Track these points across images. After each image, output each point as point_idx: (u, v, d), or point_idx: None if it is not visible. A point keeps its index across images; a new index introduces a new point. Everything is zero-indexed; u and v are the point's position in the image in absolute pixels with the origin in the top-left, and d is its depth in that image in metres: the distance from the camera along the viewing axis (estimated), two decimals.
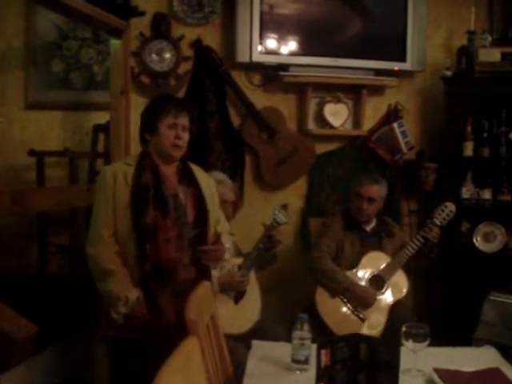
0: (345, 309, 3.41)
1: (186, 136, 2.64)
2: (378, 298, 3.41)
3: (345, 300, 3.41)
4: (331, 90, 4.22)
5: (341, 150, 4.32)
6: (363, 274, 3.47)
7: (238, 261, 3.27)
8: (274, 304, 3.83)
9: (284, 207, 3.36)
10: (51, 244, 4.15)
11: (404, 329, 2.11)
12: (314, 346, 1.96)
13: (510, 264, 3.90)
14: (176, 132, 2.59)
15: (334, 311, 3.41)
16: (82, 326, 3.44)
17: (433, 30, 4.30)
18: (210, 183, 2.82)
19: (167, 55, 4.09)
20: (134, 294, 2.48)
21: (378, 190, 3.57)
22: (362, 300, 3.39)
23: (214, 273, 2.72)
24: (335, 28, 4.17)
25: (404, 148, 4.17)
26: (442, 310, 3.91)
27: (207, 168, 3.80)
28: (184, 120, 2.62)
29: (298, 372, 2.16)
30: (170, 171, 2.65)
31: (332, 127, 4.24)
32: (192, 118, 3.62)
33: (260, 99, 4.18)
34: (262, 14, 3.96)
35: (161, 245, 2.51)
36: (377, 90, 4.31)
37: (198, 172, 2.79)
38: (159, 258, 2.51)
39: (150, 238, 2.50)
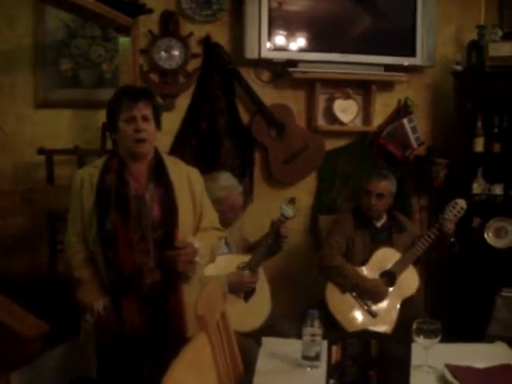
0: (355, 305, 3.40)
1: (149, 127, 2.43)
2: (389, 293, 3.40)
3: (355, 296, 3.40)
4: (340, 85, 4.21)
5: (350, 147, 4.31)
6: (374, 270, 3.45)
7: (246, 258, 3.26)
8: (285, 301, 3.82)
9: (291, 201, 3.34)
10: (61, 242, 4.15)
11: (415, 325, 2.10)
12: (325, 343, 1.95)
13: None
14: (135, 124, 2.39)
15: (345, 307, 3.40)
16: None
17: (442, 24, 4.26)
18: (191, 174, 2.60)
19: (176, 53, 4.09)
20: (100, 302, 2.37)
21: (386, 186, 3.55)
22: (372, 294, 3.38)
23: (223, 275, 2.66)
24: (344, 23, 4.15)
25: (414, 144, 4.16)
26: (454, 306, 3.89)
27: (217, 167, 3.83)
28: (143, 110, 2.41)
29: (308, 368, 2.16)
30: (140, 169, 2.48)
31: (341, 123, 4.23)
32: (201, 115, 3.60)
33: (269, 96, 4.17)
34: (270, 10, 3.95)
35: (122, 250, 2.37)
36: (386, 86, 4.28)
37: (175, 165, 2.59)
38: (121, 264, 2.38)
39: (112, 243, 2.37)
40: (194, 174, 2.64)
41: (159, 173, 2.50)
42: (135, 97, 2.43)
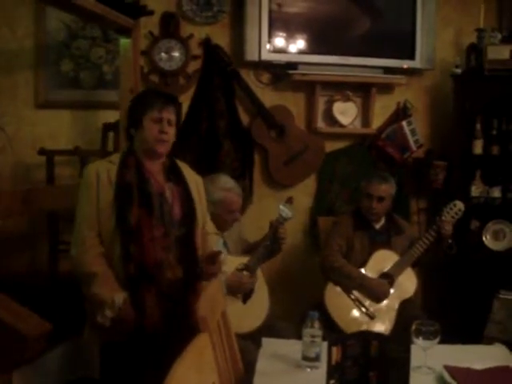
0: (354, 307, 3.41)
1: (171, 131, 2.56)
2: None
3: (354, 298, 3.41)
4: (340, 88, 4.22)
5: (350, 149, 4.32)
6: (372, 272, 3.47)
7: (244, 259, 3.25)
8: (284, 302, 3.84)
9: (289, 201, 3.36)
10: (62, 242, 4.16)
11: (414, 326, 2.11)
12: (325, 344, 1.96)
13: None
14: (161, 126, 2.51)
15: (343, 309, 3.41)
16: None
17: (442, 27, 4.28)
18: (198, 182, 2.75)
19: (176, 54, 4.11)
20: (120, 296, 2.37)
21: (387, 189, 3.56)
22: (376, 293, 3.40)
23: (221, 276, 2.69)
24: (344, 26, 4.17)
25: (413, 146, 4.17)
26: (452, 308, 3.90)
27: (216, 169, 3.84)
28: (170, 115, 2.55)
29: (308, 369, 2.17)
30: (155, 168, 2.58)
31: (341, 125, 4.24)
32: (200, 117, 3.62)
33: (269, 97, 4.19)
34: (270, 12, 3.97)
35: (145, 244, 2.42)
36: (386, 88, 4.30)
37: (186, 170, 2.71)
38: (144, 259, 2.42)
39: (134, 238, 2.41)
40: (200, 180, 2.78)
41: (175, 173, 2.62)
42: (166, 100, 2.57)
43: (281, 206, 3.30)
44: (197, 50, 4.15)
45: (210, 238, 2.72)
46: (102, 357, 2.61)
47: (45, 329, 2.20)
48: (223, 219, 3.15)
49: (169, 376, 1.32)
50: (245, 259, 3.26)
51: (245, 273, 3.21)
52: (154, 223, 2.46)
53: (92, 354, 3.28)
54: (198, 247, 2.60)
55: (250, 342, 2.81)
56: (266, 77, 4.23)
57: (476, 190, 4.05)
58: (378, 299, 3.41)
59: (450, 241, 3.46)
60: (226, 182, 3.28)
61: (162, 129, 2.52)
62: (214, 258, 2.54)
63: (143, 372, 2.43)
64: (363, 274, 3.45)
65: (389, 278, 3.44)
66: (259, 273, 3.33)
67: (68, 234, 4.12)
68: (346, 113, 4.23)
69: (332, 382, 1.78)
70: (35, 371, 2.84)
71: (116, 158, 2.58)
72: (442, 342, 2.13)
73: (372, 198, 3.53)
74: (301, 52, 4.08)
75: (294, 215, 3.35)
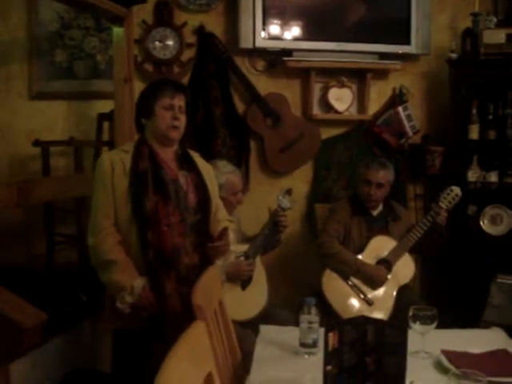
0: (352, 293, 3.41)
1: (182, 118, 2.61)
2: (385, 281, 3.42)
3: (351, 284, 3.41)
4: (335, 74, 4.20)
5: (346, 135, 4.31)
6: (370, 258, 3.46)
7: (244, 247, 3.27)
8: (282, 289, 3.84)
9: (288, 192, 3.37)
10: (58, 234, 4.16)
11: (412, 311, 2.11)
12: (322, 330, 1.96)
13: None
14: (173, 113, 2.56)
15: (341, 295, 3.41)
16: (90, 315, 3.46)
17: (437, 12, 4.26)
18: (210, 170, 2.80)
19: (170, 42, 4.09)
20: (139, 282, 2.44)
21: (385, 175, 3.55)
22: (373, 278, 3.40)
23: (219, 263, 2.70)
24: (338, 12, 4.13)
25: (409, 132, 4.16)
26: (450, 294, 3.90)
27: (213, 157, 3.82)
28: (180, 102, 2.60)
29: (306, 355, 2.17)
30: (168, 156, 2.62)
31: (337, 112, 4.23)
32: (196, 105, 3.62)
33: (264, 85, 4.17)
34: None
35: (163, 231, 2.47)
36: (381, 74, 4.28)
37: (197, 158, 2.76)
38: (162, 244, 2.47)
39: (152, 225, 2.46)
40: (211, 168, 2.85)
41: (187, 161, 2.67)
42: (177, 88, 2.62)
43: (280, 197, 3.32)
44: (191, 38, 4.13)
45: (222, 225, 2.72)
46: (115, 344, 2.67)
47: (41, 319, 2.20)
48: (229, 201, 3.18)
49: (163, 364, 1.31)
50: (244, 247, 3.27)
51: (243, 259, 3.22)
52: (170, 210, 2.50)
53: (91, 345, 3.30)
54: (213, 234, 2.65)
55: (250, 330, 2.81)
56: (260, 64, 4.21)
57: (473, 175, 4.04)
58: (375, 285, 3.41)
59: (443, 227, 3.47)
60: (224, 165, 3.32)
61: (175, 115, 2.57)
62: (221, 234, 2.58)
63: (158, 359, 2.45)
64: (360, 260, 3.44)
65: (386, 263, 3.44)
66: (258, 261, 3.34)
67: (64, 225, 4.16)
68: (342, 99, 4.22)
69: (329, 367, 1.78)
70: (33, 363, 2.85)
71: (129, 147, 2.62)
72: (440, 327, 2.13)
73: (371, 185, 3.52)
74: (295, 39, 4.05)
75: (293, 206, 3.36)
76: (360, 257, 3.46)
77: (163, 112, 2.57)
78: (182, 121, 2.61)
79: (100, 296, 2.77)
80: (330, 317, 3.14)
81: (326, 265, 3.48)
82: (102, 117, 4.13)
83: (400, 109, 4.13)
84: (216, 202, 2.76)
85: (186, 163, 2.65)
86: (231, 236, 2.68)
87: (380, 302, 3.40)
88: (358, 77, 4.27)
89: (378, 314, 3.31)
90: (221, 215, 2.79)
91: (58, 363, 3.16)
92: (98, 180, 2.54)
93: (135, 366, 2.50)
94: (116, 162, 2.53)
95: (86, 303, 3.60)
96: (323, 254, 3.49)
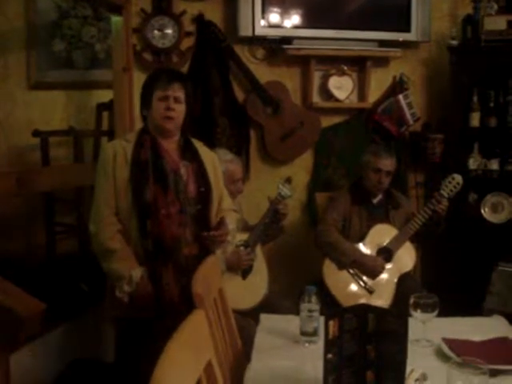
0: (352, 281, 3.41)
1: (179, 108, 2.61)
2: (386, 269, 3.41)
3: (352, 273, 3.41)
4: (335, 62, 4.18)
5: (346, 123, 4.29)
6: (371, 246, 3.46)
7: (244, 236, 3.27)
8: (282, 278, 3.84)
9: (288, 181, 3.37)
10: (59, 224, 4.16)
11: (412, 299, 2.11)
12: (322, 318, 1.95)
13: None
14: (167, 103, 2.56)
15: (342, 284, 3.41)
16: (91, 305, 3.46)
17: None
18: (214, 159, 2.80)
19: (169, 31, 4.06)
20: (137, 272, 2.46)
21: (393, 163, 3.57)
22: (370, 269, 3.39)
23: (219, 253, 2.70)
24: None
25: (410, 119, 4.14)
26: (451, 282, 3.89)
27: (213, 145, 3.81)
28: (176, 92, 2.59)
29: (306, 344, 2.17)
30: (170, 146, 2.64)
31: (337, 100, 4.21)
32: (195, 95, 3.61)
33: (264, 73, 4.15)
34: None
35: (162, 221, 2.49)
36: (381, 62, 4.26)
37: (201, 148, 2.77)
38: (160, 234, 2.49)
39: (151, 214, 2.48)
40: (216, 157, 2.85)
41: (190, 151, 2.68)
42: (171, 78, 2.61)
43: (280, 186, 3.33)
44: (190, 27, 4.10)
45: (227, 214, 2.73)
46: (118, 333, 2.71)
47: (39, 309, 2.19)
48: (229, 190, 3.15)
49: (163, 354, 1.30)
50: (244, 236, 3.27)
51: (243, 248, 3.22)
52: (170, 200, 2.52)
53: (93, 335, 3.30)
54: (213, 225, 2.65)
55: (250, 319, 2.82)
56: (260, 52, 4.18)
57: (474, 163, 4.04)
58: (372, 275, 3.40)
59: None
60: (224, 153, 3.32)
61: (168, 106, 2.56)
62: (219, 224, 2.60)
63: (159, 348, 2.45)
64: (357, 250, 3.44)
65: (387, 252, 3.44)
66: (259, 250, 3.34)
67: (64, 215, 4.16)
68: (342, 87, 4.20)
69: (330, 356, 1.77)
70: (33, 353, 2.85)
71: (132, 136, 2.64)
72: (441, 315, 2.12)
73: (381, 173, 3.52)
74: (295, 26, 4.03)
75: (293, 194, 3.37)
76: (361, 245, 3.46)
77: (158, 103, 2.58)
78: (178, 111, 2.61)
79: (101, 286, 2.77)
80: (330, 305, 3.14)
81: (323, 253, 3.48)
82: (101, 106, 4.13)
83: (400, 97, 4.12)
84: (220, 191, 2.76)
85: (188, 153, 2.66)
86: (234, 226, 2.70)
87: (381, 290, 3.39)
88: (358, 65, 4.24)
89: (379, 302, 3.30)
90: (225, 204, 2.79)
91: (60, 354, 3.17)
92: (101, 169, 2.57)
93: (137, 354, 2.49)
94: (118, 151, 2.55)
95: (87, 293, 3.60)
96: (320, 243, 3.49)
